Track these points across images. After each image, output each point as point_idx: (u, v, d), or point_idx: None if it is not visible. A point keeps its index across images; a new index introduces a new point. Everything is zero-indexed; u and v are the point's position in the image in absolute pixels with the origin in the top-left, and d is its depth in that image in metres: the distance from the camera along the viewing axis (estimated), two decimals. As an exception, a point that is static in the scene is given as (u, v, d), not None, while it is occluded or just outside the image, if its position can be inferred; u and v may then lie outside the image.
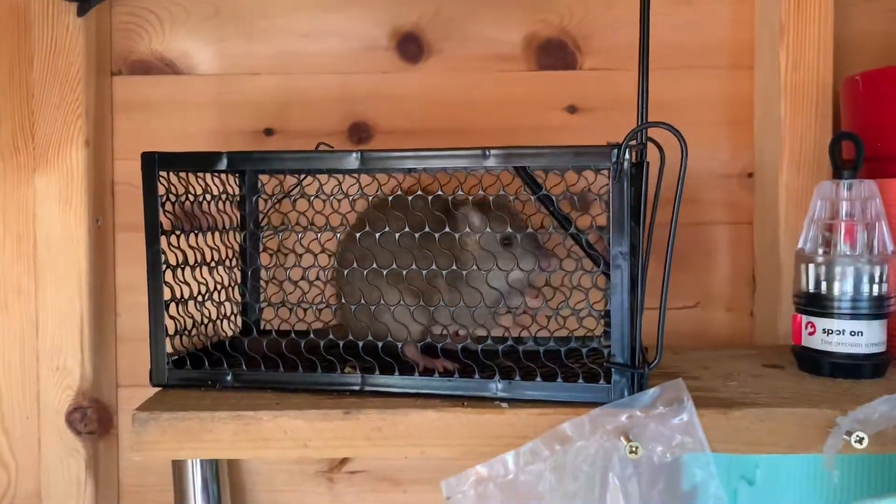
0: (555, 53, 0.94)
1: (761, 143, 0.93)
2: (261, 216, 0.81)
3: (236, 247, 0.78)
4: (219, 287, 0.75)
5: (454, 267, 0.64)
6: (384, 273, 0.65)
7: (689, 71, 0.94)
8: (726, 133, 0.95)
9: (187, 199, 0.72)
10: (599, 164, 0.61)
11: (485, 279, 0.65)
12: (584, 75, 0.94)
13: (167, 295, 0.69)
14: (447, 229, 0.64)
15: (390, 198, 0.68)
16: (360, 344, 0.66)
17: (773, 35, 0.88)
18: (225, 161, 0.66)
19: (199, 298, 0.72)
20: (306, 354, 0.67)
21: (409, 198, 0.65)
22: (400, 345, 0.68)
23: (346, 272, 0.68)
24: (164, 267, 0.68)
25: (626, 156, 0.60)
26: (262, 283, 0.80)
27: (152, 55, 0.93)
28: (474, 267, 0.65)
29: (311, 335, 0.68)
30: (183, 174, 0.71)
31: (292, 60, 0.93)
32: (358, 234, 0.67)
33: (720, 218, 0.96)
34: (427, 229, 0.64)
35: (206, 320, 0.73)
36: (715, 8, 0.94)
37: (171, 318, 0.69)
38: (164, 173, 0.68)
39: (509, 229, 0.66)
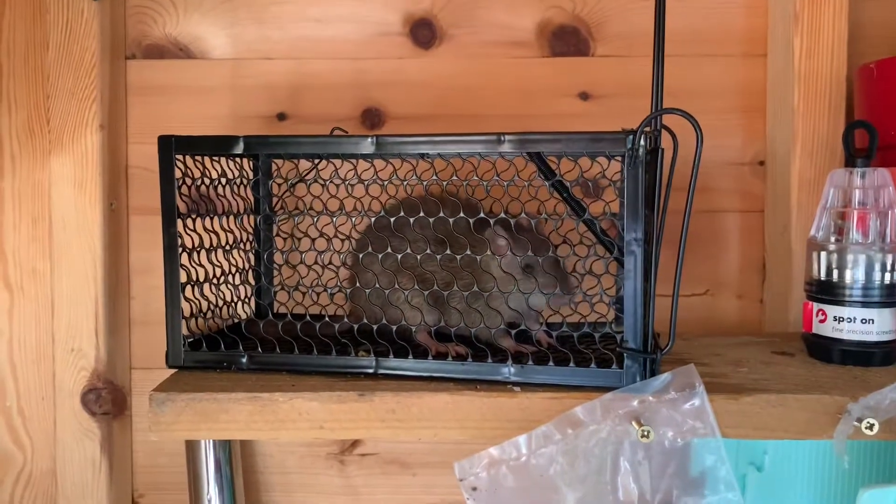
0: (568, 40, 0.94)
1: (774, 131, 0.93)
2: (275, 200, 0.81)
3: (251, 231, 0.79)
4: (234, 270, 0.76)
5: (475, 288, 0.65)
6: (402, 269, 0.66)
7: (701, 58, 0.94)
8: (738, 121, 0.95)
9: (203, 182, 0.72)
10: (614, 151, 0.62)
11: (505, 300, 0.66)
12: (597, 62, 0.94)
13: (183, 277, 0.69)
14: (468, 251, 0.65)
15: (419, 200, 0.68)
16: (375, 327, 0.67)
17: (788, 22, 0.88)
18: (241, 145, 0.67)
19: (215, 281, 0.72)
20: (321, 337, 0.67)
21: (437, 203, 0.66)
22: (413, 328, 0.69)
23: (361, 256, 0.69)
24: (180, 250, 0.69)
25: (642, 142, 0.60)
26: (276, 266, 0.80)
27: (166, 39, 0.93)
28: (495, 289, 0.66)
29: (326, 319, 0.68)
30: (199, 157, 0.71)
31: (305, 45, 0.93)
32: (381, 232, 0.67)
33: (731, 206, 0.96)
34: (448, 251, 0.65)
35: (221, 303, 0.74)
36: (728, -6, 0.93)
37: (187, 300, 0.70)
38: (180, 156, 0.69)
39: (530, 253, 0.66)
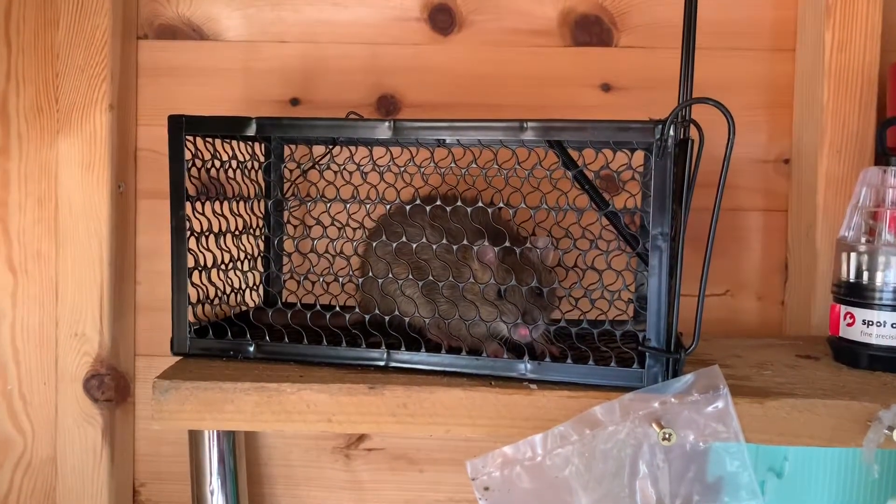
0: (590, 29, 0.91)
1: (800, 127, 0.90)
2: (287, 186, 0.79)
3: (261, 216, 0.77)
4: (243, 257, 0.74)
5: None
6: (411, 261, 0.64)
7: (727, 52, 0.92)
8: (764, 117, 0.92)
9: (213, 165, 0.70)
10: (642, 141, 0.59)
11: (477, 311, 0.64)
12: (620, 53, 0.91)
13: (191, 262, 0.67)
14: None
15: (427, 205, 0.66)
16: (387, 318, 0.65)
17: (819, 15, 0.85)
18: (254, 126, 0.65)
19: (223, 267, 0.70)
20: (331, 328, 0.65)
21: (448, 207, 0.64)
22: (426, 321, 0.67)
23: (374, 245, 0.67)
24: (188, 234, 0.67)
25: (671, 132, 0.57)
26: (286, 254, 0.78)
27: (179, 20, 0.91)
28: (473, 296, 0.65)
29: (337, 308, 0.66)
30: (210, 139, 0.69)
31: (321, 29, 0.91)
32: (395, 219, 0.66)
33: (754, 204, 0.93)
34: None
35: (229, 290, 0.72)
36: (757, -14, 0.91)
37: (194, 285, 0.68)
38: (190, 137, 0.66)
39: (513, 282, 0.64)
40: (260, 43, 0.91)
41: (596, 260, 0.68)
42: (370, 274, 0.67)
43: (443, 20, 0.91)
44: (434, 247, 0.63)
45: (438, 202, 0.63)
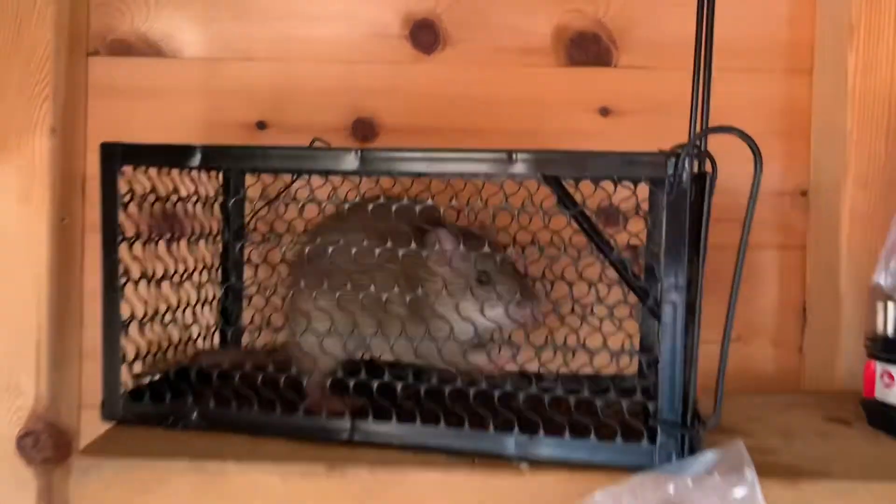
0: (588, 48, 0.83)
1: (819, 157, 0.82)
2: (248, 220, 0.70)
3: (214, 257, 0.68)
4: (191, 304, 0.64)
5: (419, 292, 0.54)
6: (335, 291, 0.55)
7: (737, 73, 0.83)
8: (778, 145, 0.84)
9: (157, 199, 0.61)
10: (653, 176, 0.50)
11: (455, 308, 0.55)
12: (620, 73, 0.83)
13: (126, 312, 0.58)
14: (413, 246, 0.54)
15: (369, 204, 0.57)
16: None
17: (841, 34, 0.78)
18: (199, 156, 0.55)
19: (166, 317, 0.61)
20: (284, 390, 0.56)
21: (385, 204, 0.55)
22: (304, 379, 0.57)
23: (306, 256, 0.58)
24: (123, 280, 0.57)
25: (686, 166, 0.49)
26: (246, 297, 0.69)
27: (134, 35, 0.83)
28: (443, 294, 0.55)
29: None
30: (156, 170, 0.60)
31: (291, 46, 0.83)
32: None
33: (767, 240, 0.85)
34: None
35: (174, 342, 0.63)
36: (770, 2, 0.83)
37: (130, 339, 0.58)
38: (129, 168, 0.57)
39: (488, 263, 0.56)
40: (224, 60, 0.83)
41: (594, 307, 0.59)
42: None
43: (426, 37, 0.83)
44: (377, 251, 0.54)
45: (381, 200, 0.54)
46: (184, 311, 0.63)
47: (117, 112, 0.83)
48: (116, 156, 0.57)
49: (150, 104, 0.83)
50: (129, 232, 0.59)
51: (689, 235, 0.50)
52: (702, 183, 0.52)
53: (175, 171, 0.61)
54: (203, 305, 0.67)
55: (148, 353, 0.61)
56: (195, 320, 0.64)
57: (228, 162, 0.57)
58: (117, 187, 0.57)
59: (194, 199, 0.63)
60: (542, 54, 0.83)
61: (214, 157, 0.56)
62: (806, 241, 0.84)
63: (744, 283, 0.82)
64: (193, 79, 0.83)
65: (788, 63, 0.83)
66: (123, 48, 0.83)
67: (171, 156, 0.57)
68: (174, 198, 0.61)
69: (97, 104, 0.83)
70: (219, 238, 0.68)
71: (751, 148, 0.49)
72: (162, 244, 0.62)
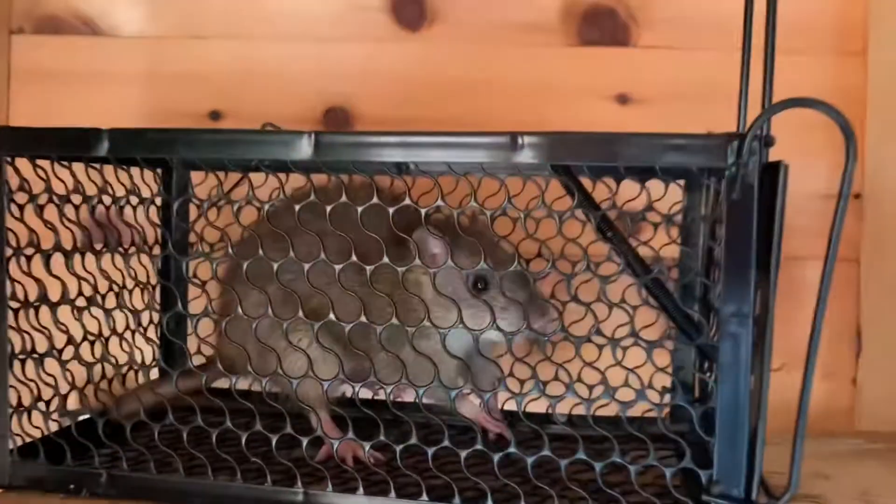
0: (602, 25, 0.75)
1: (876, 153, 0.73)
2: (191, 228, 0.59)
3: (150, 273, 0.56)
4: (121, 330, 0.52)
5: (394, 321, 0.42)
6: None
7: (778, 56, 0.73)
8: (826, 139, 0.73)
9: (69, 201, 0.48)
10: (711, 165, 0.38)
11: (441, 341, 0.43)
12: (640, 54, 0.75)
13: (16, 346, 0.45)
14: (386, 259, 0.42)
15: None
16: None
17: (902, 8, 0.69)
18: (106, 143, 0.43)
19: (72, 350, 0.48)
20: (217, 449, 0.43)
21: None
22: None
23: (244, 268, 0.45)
24: (16, 305, 0.45)
25: (756, 151, 0.37)
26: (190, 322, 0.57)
27: (66, 10, 0.76)
28: (426, 322, 0.44)
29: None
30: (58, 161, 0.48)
31: (251, 21, 0.75)
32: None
33: (814, 252, 0.72)
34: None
35: (83, 383, 0.50)
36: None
37: (21, 382, 0.46)
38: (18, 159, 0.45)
39: (483, 265, 0.46)
40: (171, 38, 0.76)
41: (614, 332, 0.47)
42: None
43: (410, 12, 0.76)
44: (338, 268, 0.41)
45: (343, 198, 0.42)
46: (103, 341, 0.51)
47: (45, 99, 0.76)
48: (1, 142, 0.44)
49: (85, 90, 0.76)
50: (24, 241, 0.46)
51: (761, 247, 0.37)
52: (771, 176, 0.40)
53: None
54: (134, 333, 0.55)
55: (55, 395, 0.48)
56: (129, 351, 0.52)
57: (145, 150, 0.44)
58: (4, 182, 0.44)
59: (123, 201, 0.51)
60: (549, 31, 0.75)
61: (126, 144, 0.43)
62: (860, 252, 0.74)
63: (786, 304, 0.73)
64: (135, 60, 0.76)
65: (837, 43, 0.75)
66: (52, 25, 0.77)
67: (70, 142, 0.44)
68: (99, 198, 0.48)
69: (21, 89, 0.77)
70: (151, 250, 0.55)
71: (842, 129, 0.39)
72: (77, 258, 0.49)
